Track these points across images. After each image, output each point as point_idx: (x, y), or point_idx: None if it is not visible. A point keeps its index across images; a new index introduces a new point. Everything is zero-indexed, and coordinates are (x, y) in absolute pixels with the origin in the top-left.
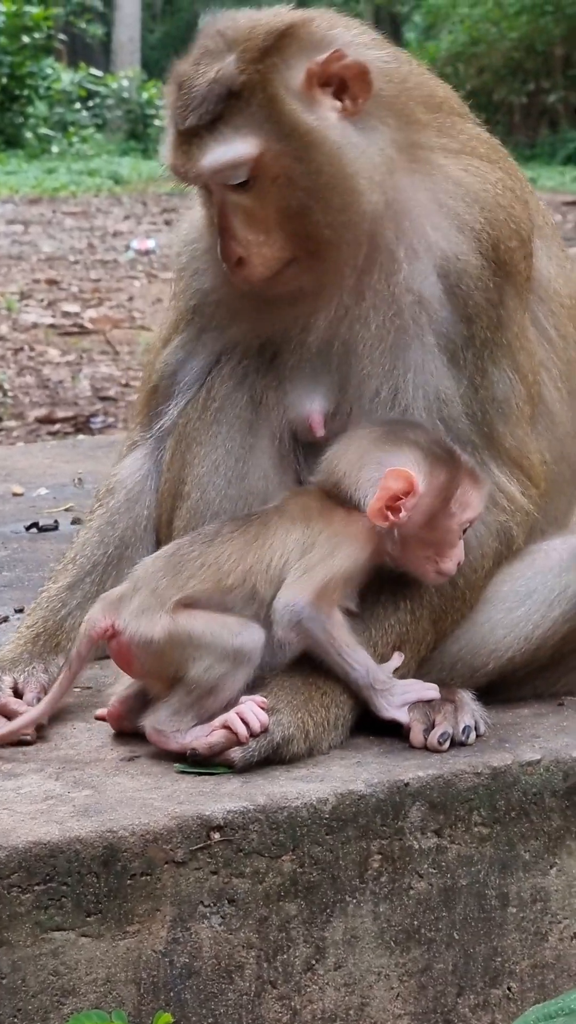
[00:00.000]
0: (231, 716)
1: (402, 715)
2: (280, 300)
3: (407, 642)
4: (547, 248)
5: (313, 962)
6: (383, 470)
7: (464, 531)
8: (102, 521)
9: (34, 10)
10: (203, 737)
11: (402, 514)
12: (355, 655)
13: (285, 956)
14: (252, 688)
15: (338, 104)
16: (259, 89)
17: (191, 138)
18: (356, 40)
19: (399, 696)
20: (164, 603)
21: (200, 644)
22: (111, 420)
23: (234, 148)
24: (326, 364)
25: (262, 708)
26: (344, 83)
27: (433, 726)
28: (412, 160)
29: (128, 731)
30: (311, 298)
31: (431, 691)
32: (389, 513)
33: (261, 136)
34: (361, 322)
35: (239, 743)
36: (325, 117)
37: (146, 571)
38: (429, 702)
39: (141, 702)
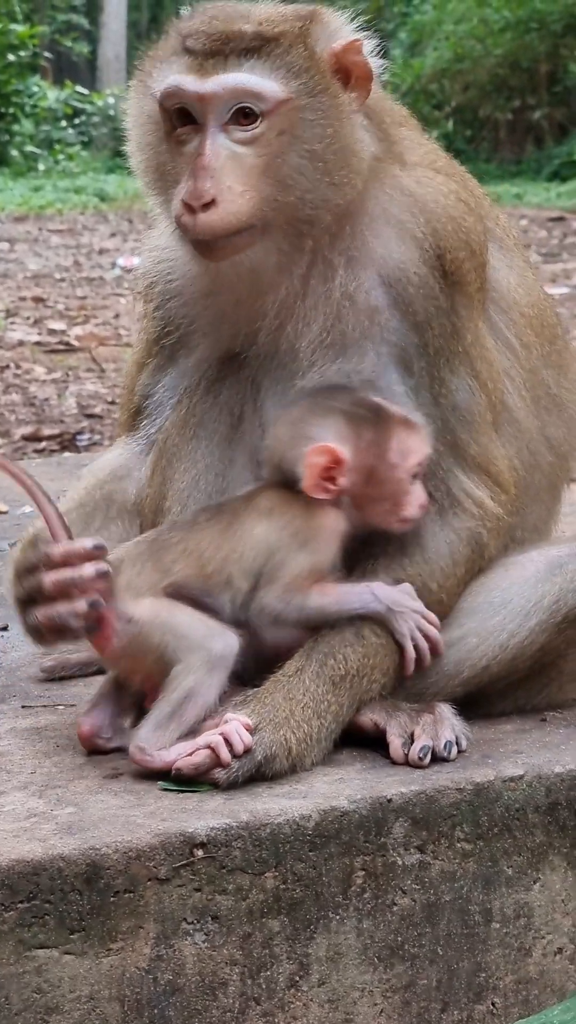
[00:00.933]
0: (215, 738)
1: (407, 646)
2: (227, 284)
3: (383, 654)
4: (508, 259)
5: (297, 978)
6: (310, 445)
7: (416, 475)
8: (86, 481)
9: (19, 28)
10: (187, 757)
11: (339, 483)
12: (352, 598)
13: (269, 973)
14: (231, 702)
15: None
16: (301, 42)
17: (210, 59)
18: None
19: (410, 626)
20: (152, 585)
21: (178, 634)
22: (97, 438)
23: (265, 82)
24: (283, 370)
25: (247, 729)
26: (349, 77)
27: (412, 739)
28: (371, 169)
29: (102, 751)
30: (259, 287)
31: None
32: (327, 484)
33: (292, 84)
34: (304, 322)
35: (220, 764)
36: (347, 97)
37: (128, 553)
38: (408, 714)
39: (110, 720)
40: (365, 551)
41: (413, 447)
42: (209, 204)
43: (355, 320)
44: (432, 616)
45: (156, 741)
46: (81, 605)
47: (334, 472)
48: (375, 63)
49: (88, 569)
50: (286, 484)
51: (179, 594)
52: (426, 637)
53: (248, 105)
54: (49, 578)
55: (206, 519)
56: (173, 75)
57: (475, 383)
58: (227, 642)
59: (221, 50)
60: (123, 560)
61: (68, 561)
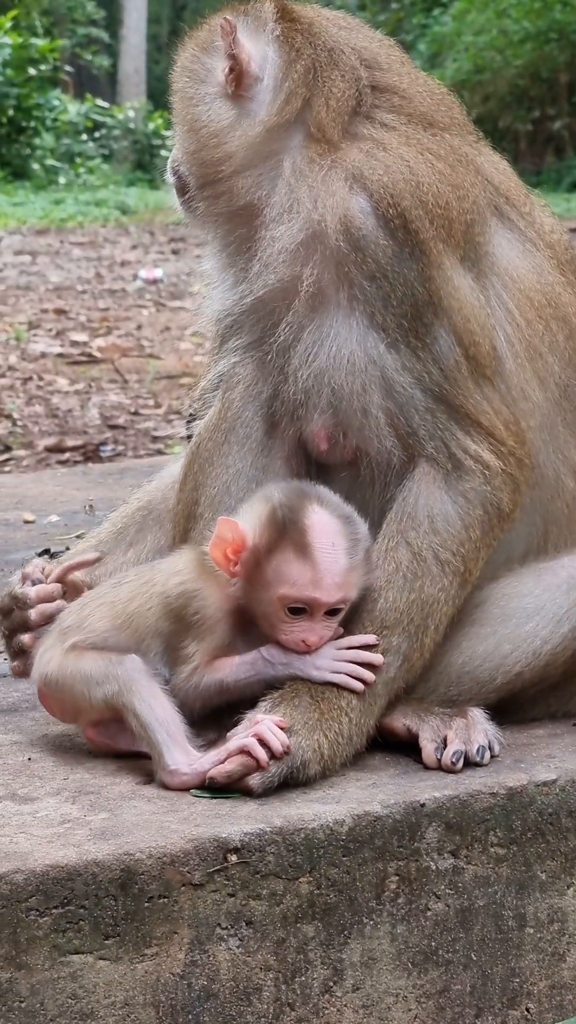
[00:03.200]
0: (250, 741)
1: (334, 678)
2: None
3: (402, 625)
4: (523, 246)
5: (331, 984)
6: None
7: (297, 611)
8: (133, 502)
9: (40, 42)
10: (220, 765)
11: (236, 566)
12: (245, 668)
13: (303, 978)
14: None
15: None
16: None
17: None
18: None
19: (327, 661)
20: (64, 643)
21: (88, 676)
22: (120, 448)
23: None
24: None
25: (281, 727)
26: None
27: (445, 743)
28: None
29: (114, 750)
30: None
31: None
32: (226, 563)
33: None
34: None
35: (257, 768)
36: None
37: (63, 614)
38: (440, 718)
39: (113, 722)
40: (375, 526)
41: (292, 578)
42: None
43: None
44: (350, 643)
45: (176, 759)
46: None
47: (232, 553)
48: None
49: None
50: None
51: (91, 646)
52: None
53: None
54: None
55: (134, 575)
56: None
57: (452, 336)
58: (131, 663)
59: None
60: (58, 621)
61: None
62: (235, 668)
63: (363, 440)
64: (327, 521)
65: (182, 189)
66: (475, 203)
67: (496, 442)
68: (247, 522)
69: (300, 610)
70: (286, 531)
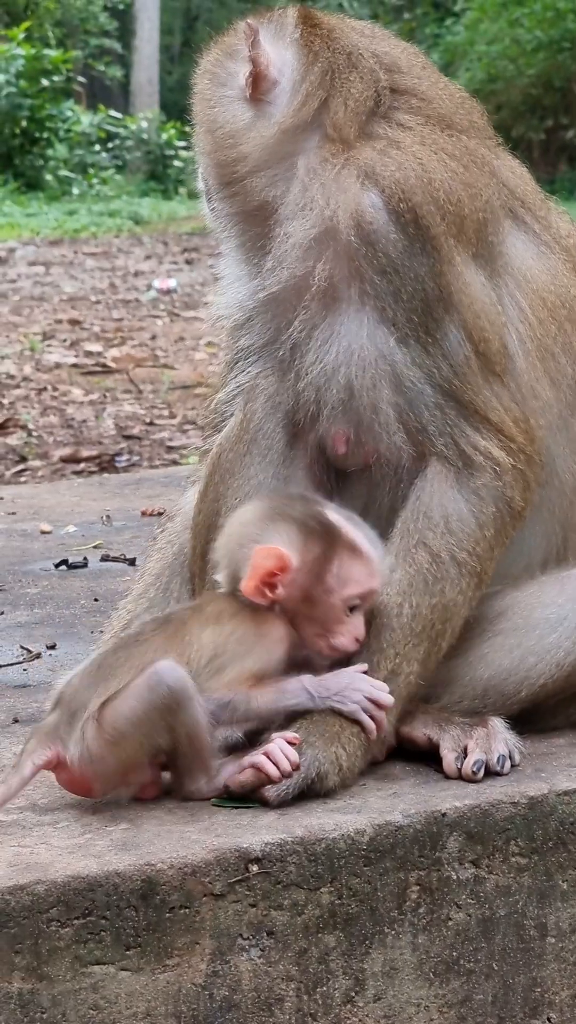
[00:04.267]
0: (259, 758)
1: (363, 717)
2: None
3: (427, 631)
4: (537, 248)
5: (353, 994)
6: (258, 547)
7: (353, 608)
8: (164, 542)
9: (53, 53)
10: (235, 775)
11: (278, 590)
12: (287, 696)
13: (325, 988)
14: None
15: None
16: None
17: None
18: None
19: (344, 694)
20: (90, 710)
21: (134, 719)
22: (136, 459)
23: None
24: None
25: (292, 744)
26: None
27: (465, 753)
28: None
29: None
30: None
31: (381, 693)
32: (267, 590)
33: None
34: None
35: (270, 780)
36: None
37: (74, 691)
38: (461, 728)
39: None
40: (382, 528)
41: (354, 576)
42: None
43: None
44: (380, 685)
45: (196, 783)
46: None
47: (277, 578)
48: None
49: None
50: (231, 594)
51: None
52: (379, 704)
53: None
54: None
55: (152, 630)
56: None
57: (462, 332)
58: (167, 670)
59: None
60: (70, 700)
61: None
62: (277, 695)
63: (373, 437)
64: (347, 520)
65: (210, 193)
66: (488, 203)
67: (505, 438)
68: (281, 544)
69: (356, 606)
70: (334, 538)
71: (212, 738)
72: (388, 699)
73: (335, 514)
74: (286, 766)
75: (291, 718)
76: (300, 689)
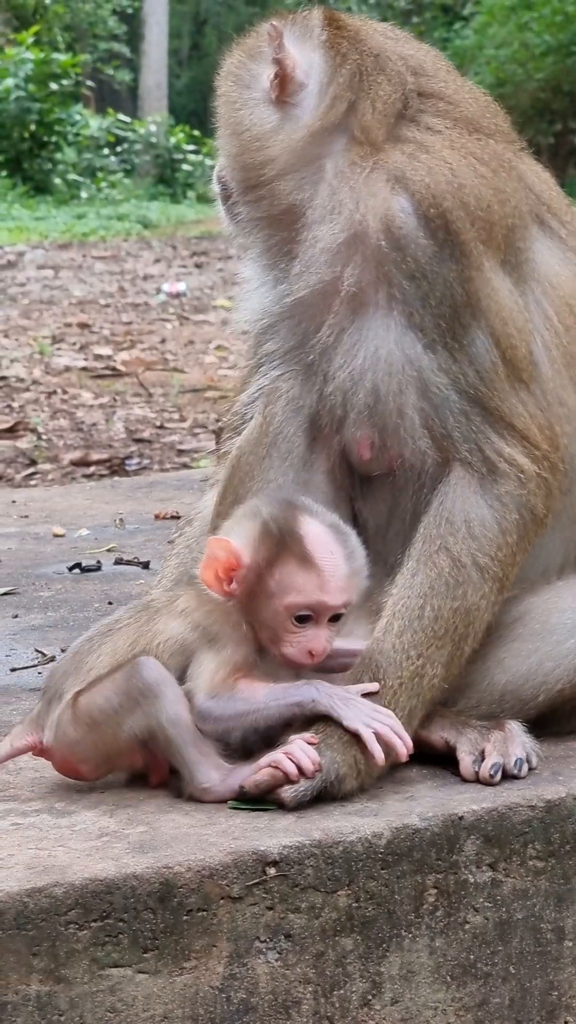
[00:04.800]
0: (278, 756)
1: (364, 731)
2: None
3: (449, 635)
4: (563, 254)
5: (370, 997)
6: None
7: (303, 619)
8: (182, 546)
9: (62, 57)
10: (251, 776)
11: (233, 585)
12: (290, 691)
13: (342, 991)
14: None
15: None
16: None
17: None
18: None
19: (363, 714)
20: (66, 697)
21: (108, 708)
22: (146, 462)
23: None
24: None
25: (311, 744)
26: None
27: (483, 756)
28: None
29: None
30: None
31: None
32: (224, 584)
33: None
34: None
35: (288, 781)
36: None
37: (54, 679)
38: (478, 731)
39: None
40: (406, 534)
41: (297, 586)
42: None
43: (362, 277)
44: (385, 711)
45: (210, 776)
46: None
47: (231, 573)
48: None
49: None
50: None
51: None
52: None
53: None
54: None
55: (128, 618)
56: None
57: (489, 339)
58: (147, 667)
59: None
60: (50, 688)
61: None
62: (276, 690)
63: (398, 442)
64: (321, 529)
65: (226, 196)
66: (517, 208)
67: (530, 445)
68: (238, 540)
69: (306, 618)
70: (284, 543)
71: (197, 738)
72: (392, 722)
73: (315, 524)
74: (308, 765)
75: (309, 722)
76: (310, 688)
